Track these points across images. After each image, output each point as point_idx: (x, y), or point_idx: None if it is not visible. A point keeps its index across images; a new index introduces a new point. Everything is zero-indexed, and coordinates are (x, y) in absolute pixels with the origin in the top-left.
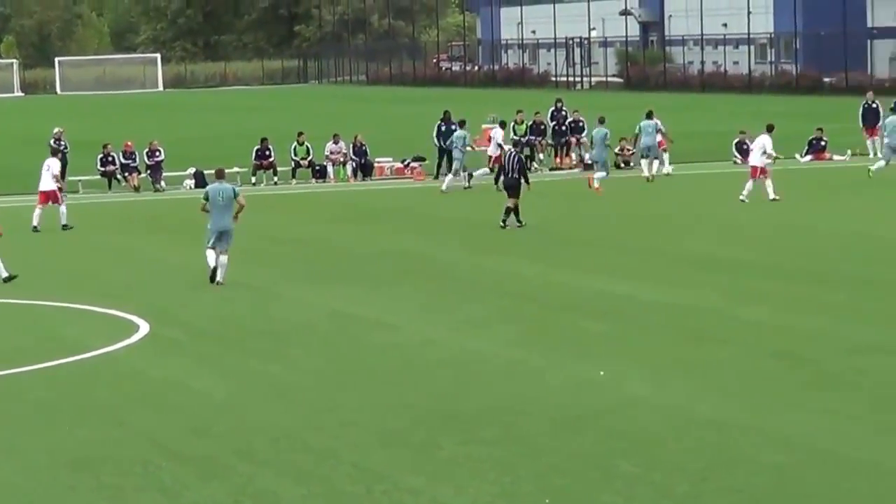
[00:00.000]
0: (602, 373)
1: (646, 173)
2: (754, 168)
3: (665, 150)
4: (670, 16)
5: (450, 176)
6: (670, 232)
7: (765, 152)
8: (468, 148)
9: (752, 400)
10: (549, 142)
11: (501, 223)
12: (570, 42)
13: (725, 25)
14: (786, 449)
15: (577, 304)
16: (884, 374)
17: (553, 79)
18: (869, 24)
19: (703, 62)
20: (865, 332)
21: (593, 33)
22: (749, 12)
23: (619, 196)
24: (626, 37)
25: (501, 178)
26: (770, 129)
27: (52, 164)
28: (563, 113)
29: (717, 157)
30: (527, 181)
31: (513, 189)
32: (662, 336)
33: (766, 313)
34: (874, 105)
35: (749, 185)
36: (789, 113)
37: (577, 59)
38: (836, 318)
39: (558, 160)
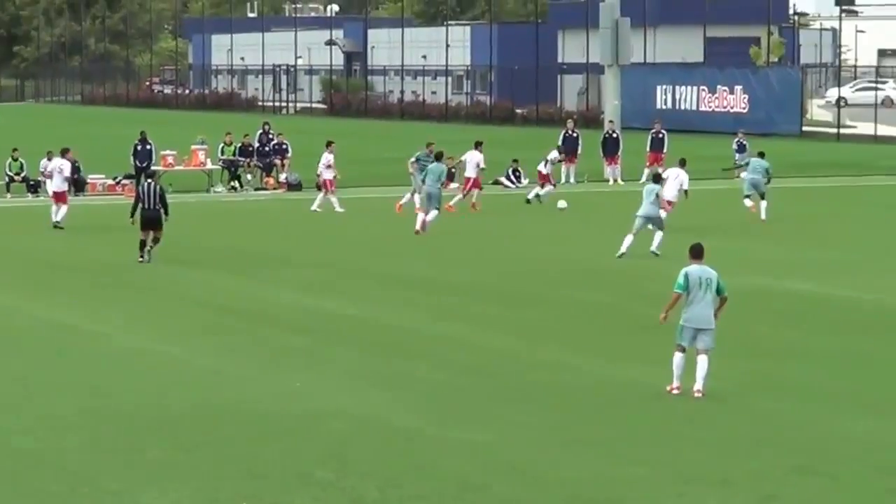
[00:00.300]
0: (298, 384)
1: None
2: (668, 202)
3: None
4: (373, 46)
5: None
6: (371, 251)
7: (681, 187)
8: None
9: (442, 412)
10: (257, 163)
11: (140, 258)
12: (278, 69)
13: (425, 57)
14: (473, 459)
15: (277, 317)
16: (567, 390)
17: (260, 103)
18: (559, 60)
19: (402, 91)
20: (550, 350)
21: (300, 61)
22: (448, 45)
23: (325, 217)
24: (331, 65)
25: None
26: (683, 163)
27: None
28: (270, 136)
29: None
30: (166, 212)
31: (153, 222)
32: (360, 350)
33: (458, 330)
34: (574, 134)
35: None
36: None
37: (284, 86)
38: (523, 335)
39: (265, 181)
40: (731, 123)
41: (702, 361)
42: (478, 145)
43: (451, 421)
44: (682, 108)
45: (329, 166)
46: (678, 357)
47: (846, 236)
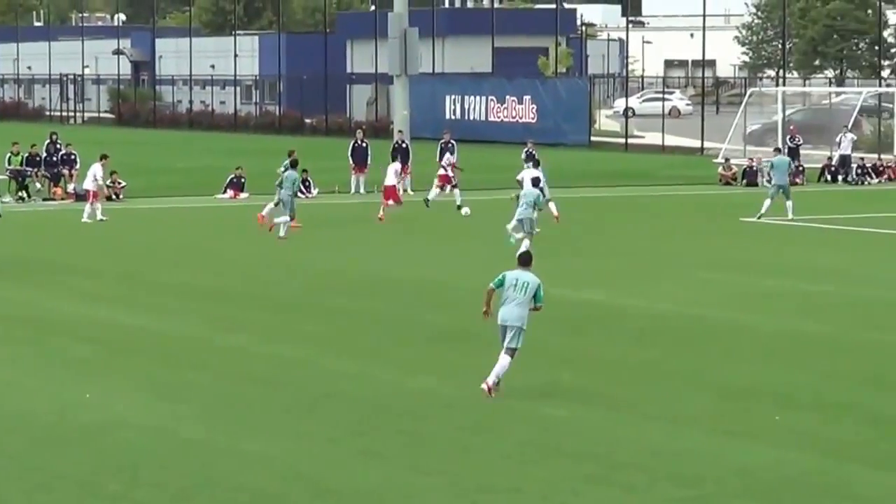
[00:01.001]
0: (88, 395)
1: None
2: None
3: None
4: (161, 56)
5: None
6: (159, 262)
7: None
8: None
9: (231, 422)
10: (44, 173)
11: None
12: (65, 78)
13: (213, 67)
14: (265, 470)
15: (65, 328)
16: (359, 400)
17: (48, 113)
18: (348, 70)
19: (191, 101)
20: (341, 360)
21: (87, 70)
22: (236, 55)
23: (111, 227)
24: (119, 75)
25: None
26: (537, 164)
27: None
28: (58, 146)
29: (207, 192)
30: None
31: None
32: (147, 360)
33: (246, 341)
34: (364, 144)
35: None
36: (273, 151)
37: (71, 95)
38: (313, 347)
39: (53, 191)
40: (520, 133)
41: (503, 359)
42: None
43: (241, 432)
44: (472, 118)
45: (95, 179)
46: (501, 357)
47: (634, 245)
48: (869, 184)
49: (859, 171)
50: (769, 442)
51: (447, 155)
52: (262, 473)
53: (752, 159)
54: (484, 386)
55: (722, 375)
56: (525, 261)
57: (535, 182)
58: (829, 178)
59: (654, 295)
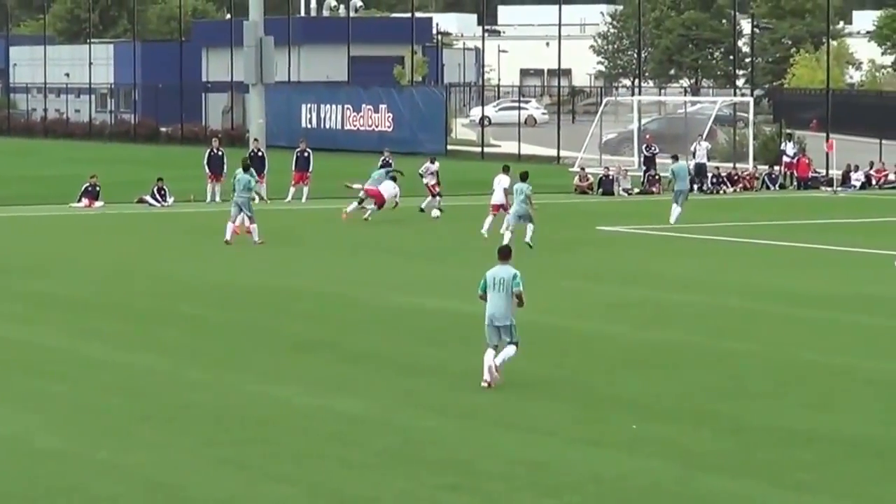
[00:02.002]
0: None
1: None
2: (496, 205)
3: None
4: (15, 64)
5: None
6: (13, 270)
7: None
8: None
9: (87, 432)
10: None
11: None
12: None
13: (68, 75)
14: (123, 480)
15: None
16: (216, 409)
17: None
18: (204, 78)
19: (46, 109)
20: (197, 369)
21: None
22: (91, 63)
23: None
24: None
25: None
26: (506, 170)
27: None
28: None
29: (62, 200)
30: None
31: None
32: (2, 370)
33: (104, 350)
34: (219, 153)
35: (489, 220)
36: (128, 159)
37: None
38: (172, 356)
39: None
40: (377, 142)
41: (508, 349)
42: (505, 169)
43: (99, 442)
44: (328, 126)
45: None
46: (488, 353)
47: (488, 254)
48: (724, 193)
49: (715, 180)
50: (627, 451)
51: (428, 164)
52: (120, 483)
53: (607, 168)
54: (491, 373)
55: (581, 385)
56: (504, 254)
57: (524, 177)
58: None
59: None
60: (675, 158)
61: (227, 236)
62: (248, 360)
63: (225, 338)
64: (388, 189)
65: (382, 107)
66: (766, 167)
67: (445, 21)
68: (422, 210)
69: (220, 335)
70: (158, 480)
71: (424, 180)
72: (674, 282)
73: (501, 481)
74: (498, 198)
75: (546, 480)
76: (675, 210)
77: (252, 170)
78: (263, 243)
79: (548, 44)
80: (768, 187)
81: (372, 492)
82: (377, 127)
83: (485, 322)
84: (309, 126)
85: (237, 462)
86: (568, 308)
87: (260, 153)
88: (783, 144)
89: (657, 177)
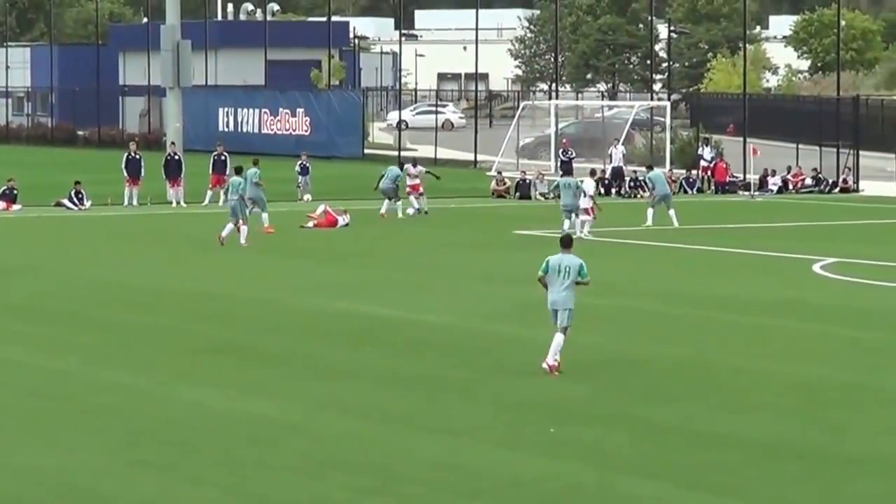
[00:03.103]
0: None
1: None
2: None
3: None
4: None
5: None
6: None
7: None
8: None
9: (3, 435)
10: None
11: None
12: None
13: None
14: (39, 483)
15: None
16: (129, 411)
17: None
18: (121, 82)
19: None
20: (110, 372)
21: None
22: (7, 67)
23: None
24: None
25: None
26: (593, 173)
27: None
28: None
29: None
30: None
31: None
32: None
33: (17, 353)
34: (137, 156)
35: (578, 222)
36: (46, 163)
37: None
38: (85, 358)
39: None
40: (294, 146)
41: (557, 338)
42: (592, 173)
43: (13, 444)
44: (245, 130)
45: None
46: (556, 336)
47: (409, 257)
48: (642, 197)
49: (632, 184)
50: (544, 454)
51: (411, 166)
52: (35, 486)
53: (524, 172)
54: (545, 366)
55: (497, 388)
56: (567, 243)
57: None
58: (602, 190)
59: (429, 307)
60: (650, 168)
61: (224, 233)
62: (163, 363)
63: (140, 341)
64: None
65: (300, 110)
66: (684, 171)
67: (362, 25)
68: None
69: (134, 338)
70: (74, 483)
71: (409, 182)
72: (591, 284)
73: (419, 485)
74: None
75: (464, 483)
76: (650, 213)
77: (247, 172)
78: (247, 246)
79: (465, 48)
80: (686, 191)
81: (290, 495)
82: (295, 130)
83: (548, 307)
84: (226, 129)
85: (154, 464)
86: (484, 310)
87: (177, 157)
88: (700, 149)
89: None
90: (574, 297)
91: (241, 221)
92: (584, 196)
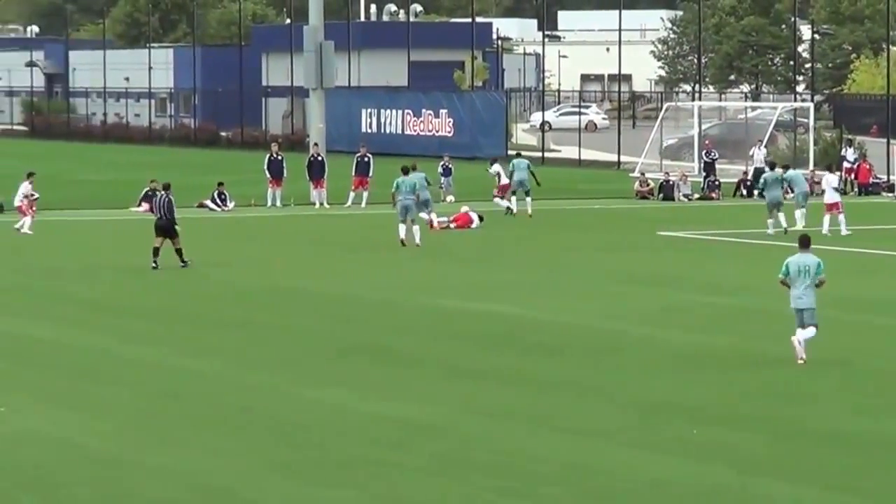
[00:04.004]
0: (3, 409)
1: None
2: (830, 204)
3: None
4: (75, 68)
5: None
6: (70, 275)
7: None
8: None
9: (142, 436)
10: None
11: (154, 264)
12: None
13: (128, 79)
14: (177, 484)
15: None
16: (270, 413)
17: None
18: (264, 83)
19: (105, 113)
20: (251, 373)
21: (0, 83)
22: (150, 68)
23: (22, 239)
24: (32, 87)
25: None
26: (831, 168)
27: None
28: None
29: (121, 204)
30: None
31: (165, 230)
32: (57, 374)
33: (159, 354)
34: (279, 157)
35: (826, 218)
36: (188, 164)
37: None
38: (225, 360)
39: None
40: (437, 147)
41: (805, 332)
42: (829, 168)
43: (153, 446)
44: (388, 131)
45: (26, 196)
46: (798, 332)
47: (551, 259)
48: (784, 199)
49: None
50: (684, 455)
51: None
52: (173, 487)
53: (667, 173)
54: (799, 361)
55: (637, 389)
56: (805, 243)
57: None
58: (744, 192)
59: (570, 308)
60: (786, 168)
61: (402, 235)
62: (302, 365)
63: (279, 342)
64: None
65: (443, 111)
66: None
67: (505, 26)
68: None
69: (274, 340)
70: (211, 485)
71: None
72: (731, 287)
73: (558, 486)
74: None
75: (603, 484)
76: (798, 214)
77: (418, 174)
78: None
79: (608, 49)
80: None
81: (427, 496)
82: (437, 132)
83: (791, 306)
84: (369, 131)
85: (293, 466)
86: (624, 312)
87: (319, 158)
88: (844, 150)
89: (717, 182)
90: (815, 295)
91: (413, 221)
92: (828, 191)
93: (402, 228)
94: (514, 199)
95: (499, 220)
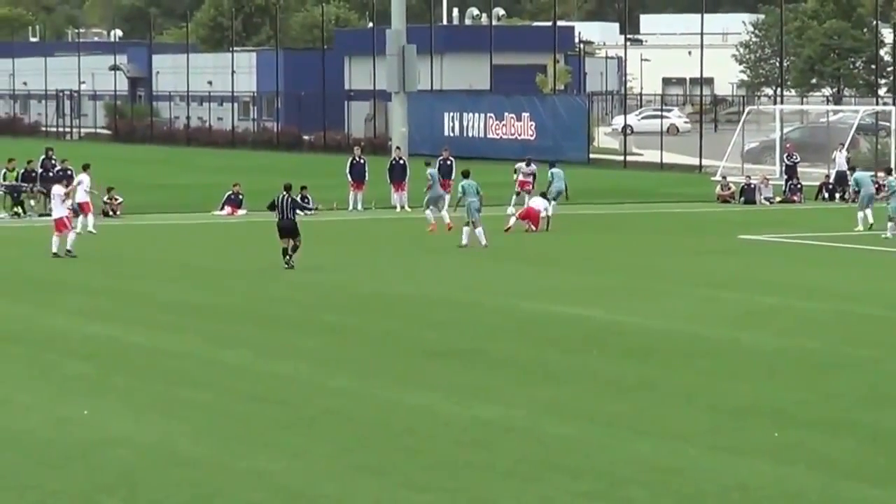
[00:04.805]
0: (86, 412)
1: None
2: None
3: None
4: (158, 72)
5: None
6: (154, 278)
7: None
8: None
9: (229, 440)
10: (40, 189)
11: (285, 264)
12: (61, 94)
13: (211, 83)
14: (261, 487)
15: (62, 345)
16: (355, 416)
17: (44, 129)
18: (346, 87)
19: (188, 117)
20: (337, 376)
21: (83, 86)
22: (233, 72)
23: (107, 243)
24: (115, 91)
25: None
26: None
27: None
28: (53, 162)
29: (204, 208)
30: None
31: (289, 230)
32: (144, 377)
33: (243, 358)
34: (361, 161)
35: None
36: (271, 168)
37: (68, 111)
38: (310, 363)
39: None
40: (519, 150)
41: None
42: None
43: (238, 449)
44: (470, 135)
45: (86, 190)
46: None
47: (633, 263)
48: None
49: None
50: (768, 458)
51: (524, 165)
52: (259, 490)
53: (749, 177)
54: None
55: (720, 392)
56: None
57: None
58: (826, 195)
59: (653, 312)
60: (853, 169)
61: (465, 240)
62: (387, 367)
63: (363, 345)
64: (538, 204)
65: (525, 115)
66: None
67: (587, 30)
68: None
69: (358, 343)
70: (297, 488)
71: (517, 177)
72: (814, 290)
73: (642, 488)
74: None
75: (687, 487)
76: (860, 217)
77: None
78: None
79: (690, 52)
80: None
81: (513, 499)
82: (520, 135)
83: None
84: (451, 134)
85: (378, 469)
86: (708, 316)
87: (402, 161)
88: None
89: (799, 186)
90: None
91: (475, 224)
92: None
93: (465, 231)
94: (553, 204)
95: (580, 224)
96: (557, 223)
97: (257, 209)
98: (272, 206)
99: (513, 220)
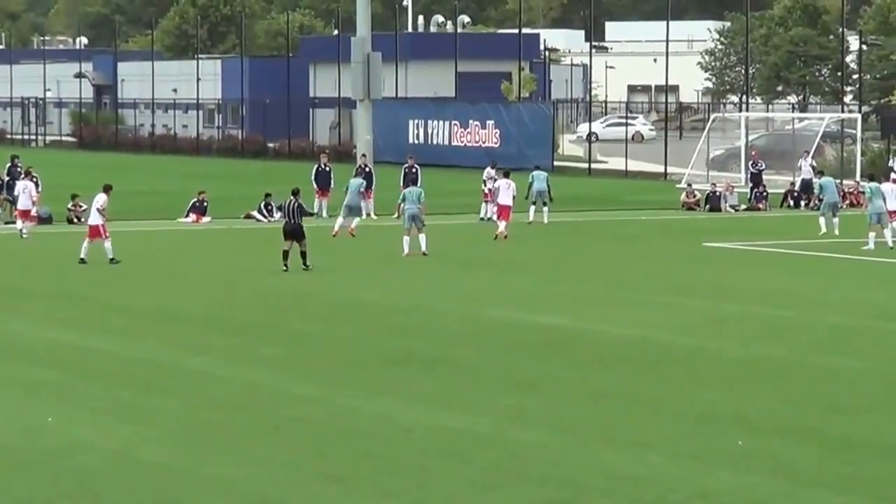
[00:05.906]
0: (50, 419)
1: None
2: (892, 213)
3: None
4: (123, 80)
5: None
6: (120, 285)
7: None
8: None
9: (193, 446)
10: (6, 196)
11: (284, 267)
12: (26, 102)
13: (176, 91)
14: (226, 494)
15: (26, 352)
16: (318, 424)
17: (9, 136)
18: (311, 94)
19: (153, 125)
20: (300, 383)
21: (49, 94)
22: (198, 79)
23: (72, 250)
24: (81, 98)
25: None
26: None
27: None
28: (18, 169)
29: (169, 215)
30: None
31: (294, 233)
32: (109, 384)
33: (208, 364)
34: (327, 168)
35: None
36: (236, 175)
37: (33, 118)
38: (273, 370)
39: (15, 214)
40: (484, 158)
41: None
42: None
43: (202, 456)
44: (435, 142)
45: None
46: None
47: (598, 270)
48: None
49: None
50: (732, 467)
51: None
52: (224, 497)
53: (714, 184)
54: None
55: (685, 400)
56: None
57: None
58: (791, 203)
59: (618, 319)
60: (821, 174)
61: (406, 250)
62: (353, 375)
63: (329, 352)
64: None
65: (490, 122)
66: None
67: (553, 37)
68: (489, 219)
69: (324, 350)
70: (263, 495)
71: (487, 186)
72: (779, 297)
73: (605, 496)
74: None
75: (650, 495)
76: (822, 221)
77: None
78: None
79: (655, 60)
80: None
81: None
82: (484, 143)
83: None
84: (416, 142)
85: (342, 477)
86: (673, 323)
87: (367, 169)
88: (891, 161)
89: (764, 193)
90: None
91: (420, 230)
92: (890, 199)
93: (405, 241)
94: (532, 208)
95: (533, 232)
96: (524, 231)
97: (222, 216)
98: (280, 209)
99: (502, 226)
